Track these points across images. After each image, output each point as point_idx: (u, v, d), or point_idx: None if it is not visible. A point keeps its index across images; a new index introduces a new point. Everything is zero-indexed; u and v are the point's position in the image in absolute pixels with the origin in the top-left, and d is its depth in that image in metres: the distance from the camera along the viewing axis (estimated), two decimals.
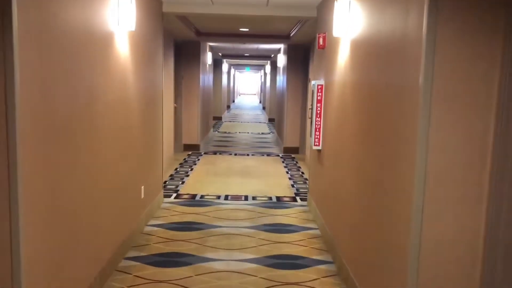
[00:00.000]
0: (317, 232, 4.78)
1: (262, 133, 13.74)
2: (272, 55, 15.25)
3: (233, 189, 6.54)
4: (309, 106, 7.98)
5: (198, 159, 8.92)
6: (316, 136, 4.89)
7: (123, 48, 3.89)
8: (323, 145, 4.78)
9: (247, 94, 46.00)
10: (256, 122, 17.85)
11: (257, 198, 6.08)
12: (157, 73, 5.58)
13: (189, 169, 7.91)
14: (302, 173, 7.89)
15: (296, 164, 8.69)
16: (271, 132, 14.16)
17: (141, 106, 4.58)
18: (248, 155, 9.67)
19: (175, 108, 9.42)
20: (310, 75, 8.69)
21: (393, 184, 2.50)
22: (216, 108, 17.66)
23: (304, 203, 5.93)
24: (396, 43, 2.52)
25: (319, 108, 4.85)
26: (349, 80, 3.65)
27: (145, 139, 4.85)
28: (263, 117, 20.16)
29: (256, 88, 42.84)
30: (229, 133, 13.66)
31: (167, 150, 8.14)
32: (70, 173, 2.84)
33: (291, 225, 4.98)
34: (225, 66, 19.14)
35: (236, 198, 6.08)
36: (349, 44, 3.70)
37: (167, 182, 6.91)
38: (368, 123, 3.05)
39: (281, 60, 11.28)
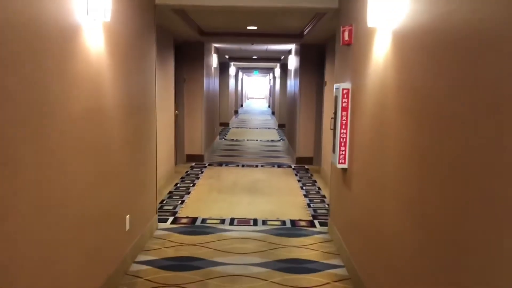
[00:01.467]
0: (344, 272, 3.86)
1: (272, 140, 12.84)
2: (282, 57, 14.36)
3: (239, 211, 5.64)
4: (328, 114, 7.11)
5: (202, 172, 8.04)
6: (341, 152, 3.98)
7: (95, 45, 3.02)
8: (351, 164, 3.87)
9: (255, 98, 45.14)
10: (265, 128, 16.96)
11: (268, 223, 5.18)
12: (149, 76, 4.71)
13: (191, 185, 7.02)
14: (319, 188, 6.97)
15: (311, 178, 7.77)
16: (281, 139, 13.25)
17: (125, 117, 3.70)
18: (257, 166, 8.77)
19: (176, 115, 8.56)
20: (326, 78, 7.78)
21: (485, 243, 1.59)
22: (223, 114, 16.81)
23: (324, 228, 5.02)
24: (492, 34, 1.61)
25: (344, 118, 3.94)
26: (392, 84, 2.74)
27: (132, 157, 3.97)
28: (273, 122, 19.26)
29: (265, 92, 41.99)
30: (236, 140, 12.78)
31: (167, 162, 7.27)
32: (8, 213, 1.96)
33: (310, 261, 4.06)
34: (232, 70, 18.29)
35: (244, 222, 5.18)
36: (391, 36, 2.79)
37: (164, 202, 6.03)
38: (430, 144, 2.13)
39: (292, 61, 10.38)
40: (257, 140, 12.93)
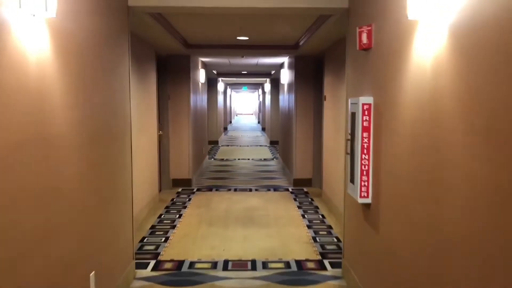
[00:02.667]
0: None
1: (265, 159, 12.02)
2: (273, 72, 13.65)
3: (234, 249, 4.78)
4: (329, 132, 6.27)
5: (189, 199, 7.16)
6: (363, 183, 3.16)
7: (35, 49, 2.19)
8: (377, 198, 3.05)
9: (244, 114, 44.44)
10: (257, 145, 16.14)
11: (269, 265, 4.32)
12: (121, 94, 3.89)
13: (177, 216, 6.14)
14: (323, 217, 6.13)
15: (311, 203, 6.94)
16: (275, 157, 12.43)
17: (84, 147, 2.86)
18: (250, 190, 7.92)
19: (160, 136, 7.70)
20: (325, 91, 7.01)
21: None
22: (212, 132, 15.98)
23: (338, 272, 4.17)
24: None
25: (366, 140, 3.13)
26: (452, 95, 1.95)
27: (96, 196, 3.12)
28: (264, 139, 18.46)
29: (254, 108, 41.33)
30: (227, 160, 11.93)
31: (150, 190, 6.39)
32: None
33: None
34: (220, 86, 17.53)
35: (240, 266, 4.31)
36: (446, 32, 2.01)
37: (145, 240, 5.15)
38: None
39: (285, 75, 9.63)
40: (249, 159, 12.09)
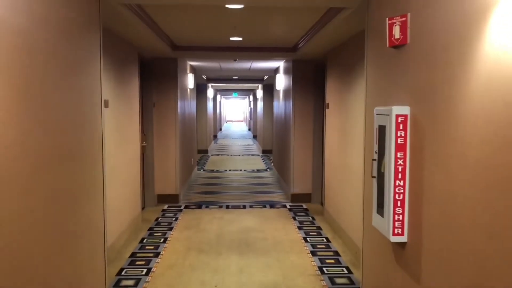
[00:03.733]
0: None
1: (258, 170, 11.29)
2: (266, 77, 12.97)
3: (228, 285, 4.04)
4: (332, 143, 5.30)
5: (176, 219, 6.40)
6: (397, 217, 2.45)
7: None
8: (417, 236, 2.34)
9: (234, 121, 43.73)
10: (248, 154, 15.41)
11: None
12: (89, 100, 3.15)
13: (161, 240, 5.39)
14: (327, 240, 5.42)
15: (313, 222, 6.22)
16: (268, 167, 11.72)
17: (30, 175, 2.11)
18: (244, 207, 7.19)
19: (144, 147, 6.95)
20: (328, 99, 6.33)
21: None
22: (201, 140, 15.23)
23: None
24: None
25: (401, 162, 2.43)
26: None
27: (52, 237, 2.37)
28: (256, 148, 17.75)
29: (244, 115, 40.64)
30: (217, 171, 11.18)
31: (131, 209, 5.63)
32: None
33: None
34: (210, 92, 16.81)
35: None
36: None
37: (123, 272, 4.39)
38: None
39: (281, 81, 8.94)
40: (241, 170, 11.36)
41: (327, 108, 6.33)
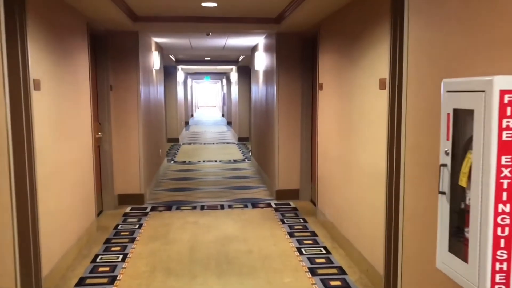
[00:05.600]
0: None
1: (235, 161, 10.22)
2: (241, 58, 11.84)
3: None
4: (326, 129, 4.12)
5: (140, 226, 5.28)
6: (498, 266, 1.44)
7: None
8: None
9: (206, 107, 42.36)
10: (223, 142, 14.30)
11: None
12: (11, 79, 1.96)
13: (119, 258, 4.27)
14: (326, 250, 4.42)
15: (306, 227, 5.21)
16: (246, 157, 10.66)
17: None
18: (222, 207, 6.12)
19: (99, 139, 5.77)
20: (322, 78, 5.28)
21: None
22: (171, 128, 14.02)
23: None
24: None
25: (508, 172, 1.41)
26: None
27: None
28: (230, 135, 16.64)
29: (216, 100, 39.37)
30: (189, 163, 10.04)
31: (82, 218, 4.50)
32: None
33: None
34: (180, 75, 15.54)
35: None
36: None
37: None
38: None
39: (261, 60, 7.84)
40: (216, 161, 10.25)
41: (320, 89, 5.28)
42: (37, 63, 3.35)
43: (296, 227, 5.19)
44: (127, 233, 5.01)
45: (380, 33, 3.43)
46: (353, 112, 4.10)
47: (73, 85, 4.28)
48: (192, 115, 28.12)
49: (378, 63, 3.48)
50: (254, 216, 5.67)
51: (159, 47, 8.68)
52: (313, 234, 4.94)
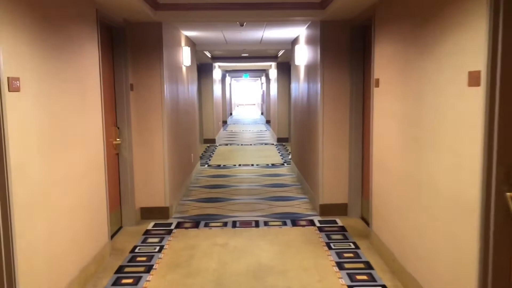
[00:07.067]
0: None
1: (273, 165, 9.36)
2: (280, 53, 10.96)
3: None
4: (384, 135, 3.64)
5: (161, 249, 4.51)
6: None
7: None
8: None
9: (245, 105, 41.71)
10: (261, 143, 13.47)
11: None
12: None
13: None
14: None
15: (358, 254, 4.28)
16: (285, 161, 9.78)
17: None
18: (257, 224, 5.28)
19: (117, 146, 5.05)
20: (377, 73, 4.32)
21: None
22: (207, 128, 13.34)
23: None
24: None
25: None
26: None
27: None
28: (269, 135, 15.79)
29: (256, 98, 38.66)
30: (224, 167, 9.26)
31: (89, 243, 3.76)
32: None
33: None
34: (217, 73, 14.85)
35: None
36: None
37: None
38: None
39: (303, 53, 6.93)
40: (252, 165, 9.42)
41: (376, 86, 4.33)
42: (14, 58, 2.61)
43: (345, 254, 4.27)
44: (144, 258, 4.25)
45: (469, 8, 2.47)
46: (424, 117, 3.15)
47: (74, 84, 3.54)
48: (231, 114, 27.51)
49: (465, 50, 2.52)
50: (295, 237, 4.79)
51: (191, 42, 7.94)
52: (368, 265, 4.01)
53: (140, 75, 5.32)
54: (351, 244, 4.56)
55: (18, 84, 2.62)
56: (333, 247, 4.47)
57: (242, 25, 6.09)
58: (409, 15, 3.44)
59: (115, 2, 4.19)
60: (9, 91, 2.52)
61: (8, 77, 2.51)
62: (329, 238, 4.74)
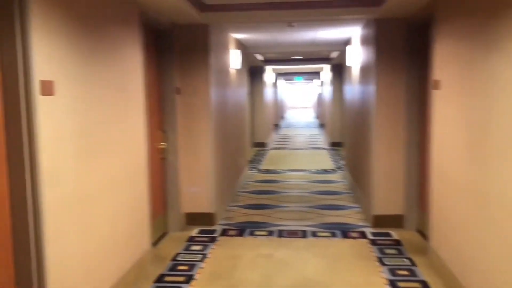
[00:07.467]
0: None
1: (325, 171, 9.02)
2: (334, 54, 10.60)
3: None
4: (444, 140, 3.22)
5: (204, 257, 4.36)
6: None
7: None
8: None
9: (299, 108, 41.32)
10: (313, 147, 13.14)
11: None
12: None
13: None
14: None
15: (414, 272, 3.91)
16: (338, 167, 9.41)
17: None
18: (304, 234, 5.01)
19: (162, 150, 4.96)
20: (437, 74, 3.93)
21: None
22: (259, 132, 13.19)
23: None
24: None
25: None
26: None
27: None
28: (322, 139, 15.41)
29: (311, 101, 38.23)
30: (274, 172, 9.04)
31: (131, 248, 3.67)
32: None
33: None
34: (269, 76, 14.68)
35: None
36: None
37: None
38: None
39: (356, 55, 6.59)
40: (303, 170, 9.13)
41: (436, 88, 3.94)
42: (48, 60, 2.53)
43: (400, 271, 3.91)
44: (186, 267, 4.11)
45: None
46: (492, 121, 2.77)
47: (114, 88, 3.46)
48: (284, 117, 27.30)
49: None
50: (344, 250, 4.48)
51: (241, 45, 7.81)
52: (425, 286, 3.64)
53: (187, 79, 5.22)
54: (406, 260, 4.18)
55: (52, 88, 2.54)
56: (386, 263, 4.12)
57: (291, 26, 5.85)
58: (476, 9, 3.06)
59: (159, 4, 4.10)
60: (41, 94, 2.44)
61: (40, 80, 2.43)
62: (382, 252, 4.39)
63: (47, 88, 2.49)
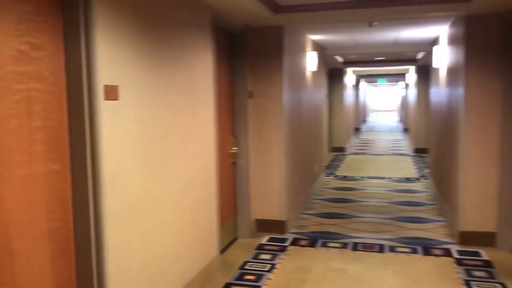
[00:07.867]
0: None
1: (407, 179, 8.47)
2: (419, 55, 9.97)
3: None
4: None
5: (272, 267, 4.20)
6: None
7: None
8: None
9: (383, 111, 39.83)
10: (395, 153, 12.48)
11: None
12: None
13: None
14: None
15: None
16: (422, 176, 8.79)
17: None
18: (382, 249, 4.66)
19: (233, 155, 4.89)
20: None
21: None
22: (337, 136, 12.80)
23: None
24: None
25: None
26: None
27: None
28: (405, 144, 14.61)
29: (395, 104, 36.73)
30: (351, 179, 8.66)
31: (198, 255, 3.62)
32: None
33: None
34: (350, 78, 14.21)
35: None
36: None
37: None
38: None
39: (443, 55, 6.07)
40: (383, 178, 8.65)
41: None
42: (113, 65, 2.51)
43: None
44: (253, 277, 3.98)
45: None
46: None
47: (183, 93, 3.41)
48: (366, 121, 26.43)
49: None
50: (425, 269, 4.08)
51: (319, 47, 7.57)
52: None
53: (259, 82, 5.11)
54: (498, 285, 3.71)
55: (116, 92, 2.53)
56: (474, 287, 3.67)
57: (371, 25, 5.51)
58: None
59: (231, 7, 4.01)
60: (105, 99, 2.42)
61: (104, 85, 2.42)
62: (469, 274, 3.93)
63: (112, 93, 2.48)
